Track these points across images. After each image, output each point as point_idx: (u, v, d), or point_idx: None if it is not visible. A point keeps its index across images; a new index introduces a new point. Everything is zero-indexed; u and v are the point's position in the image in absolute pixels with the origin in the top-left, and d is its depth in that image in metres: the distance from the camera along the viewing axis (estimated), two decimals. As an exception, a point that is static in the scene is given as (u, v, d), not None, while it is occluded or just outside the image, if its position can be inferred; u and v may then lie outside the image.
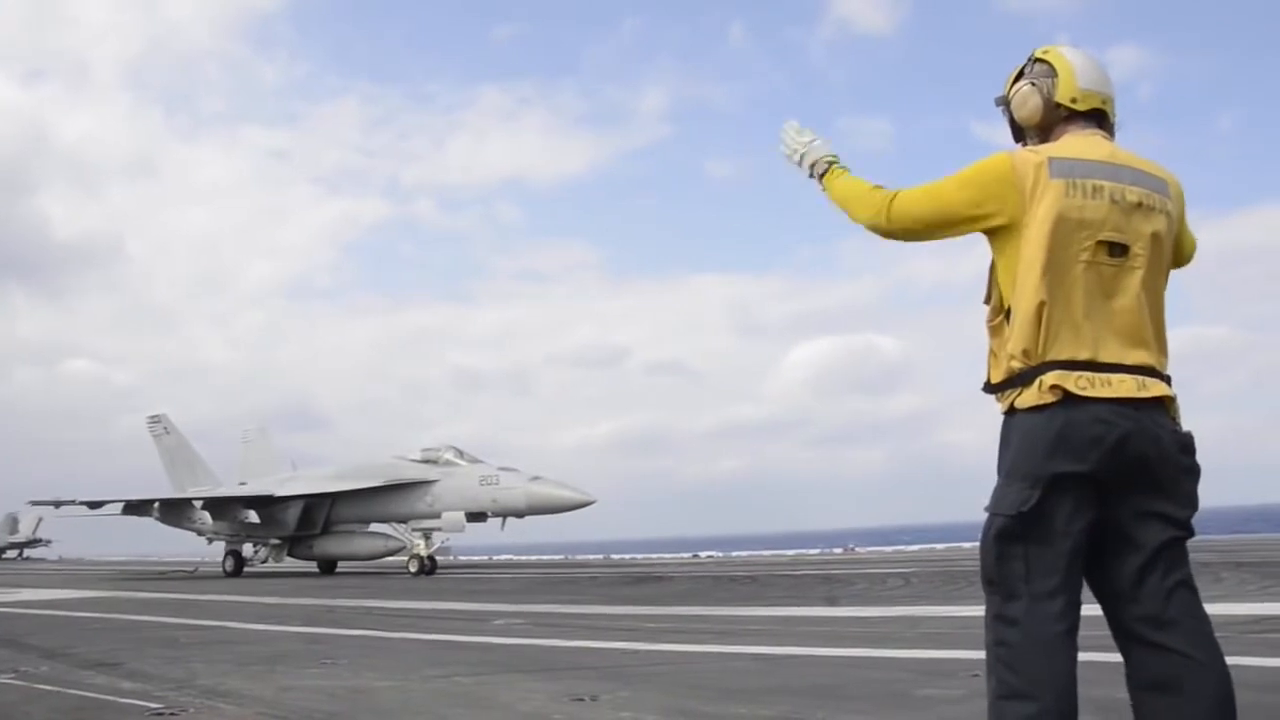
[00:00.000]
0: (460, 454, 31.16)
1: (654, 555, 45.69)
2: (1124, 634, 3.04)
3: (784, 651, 8.61)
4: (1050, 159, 3.09)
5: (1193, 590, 3.04)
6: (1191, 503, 3.07)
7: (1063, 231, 3.02)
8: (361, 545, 33.43)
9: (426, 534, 30.48)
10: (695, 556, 41.19)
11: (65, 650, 9.87)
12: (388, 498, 31.72)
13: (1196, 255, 3.48)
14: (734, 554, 44.77)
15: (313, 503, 33.15)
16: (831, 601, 14.47)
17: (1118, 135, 3.32)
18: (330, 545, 33.83)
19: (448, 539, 31.20)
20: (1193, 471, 3.09)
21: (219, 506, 35.08)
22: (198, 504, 35.98)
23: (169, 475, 41.84)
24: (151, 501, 37.02)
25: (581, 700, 6.24)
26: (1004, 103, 3.44)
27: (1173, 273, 3.36)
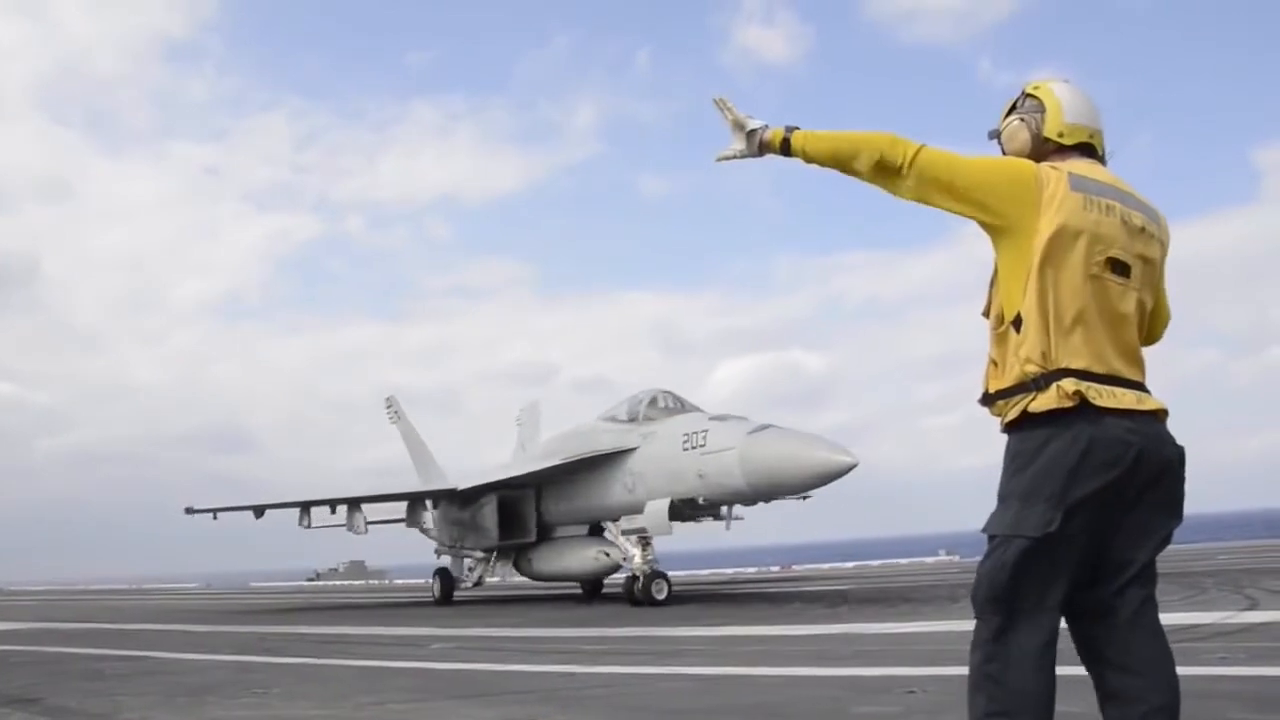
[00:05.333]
0: (677, 400, 20.87)
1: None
2: (1092, 645, 3.13)
3: (722, 672, 8.61)
4: (1070, 174, 3.19)
5: (1155, 602, 3.16)
6: (1180, 516, 3.19)
7: (1080, 243, 3.11)
8: (574, 560, 22.82)
9: (643, 539, 20.10)
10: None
11: (-17, 686, 9.55)
12: (583, 482, 21.92)
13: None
14: (671, 573, 44.72)
15: (509, 496, 23.55)
16: (836, 617, 14.50)
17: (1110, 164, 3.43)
18: (544, 560, 23.75)
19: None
20: (1183, 483, 3.20)
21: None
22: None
23: (418, 467, 33.53)
24: (426, 496, 26.55)
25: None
26: (996, 136, 3.54)
27: None
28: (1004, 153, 3.49)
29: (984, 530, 3.15)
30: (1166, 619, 3.16)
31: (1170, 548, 3.25)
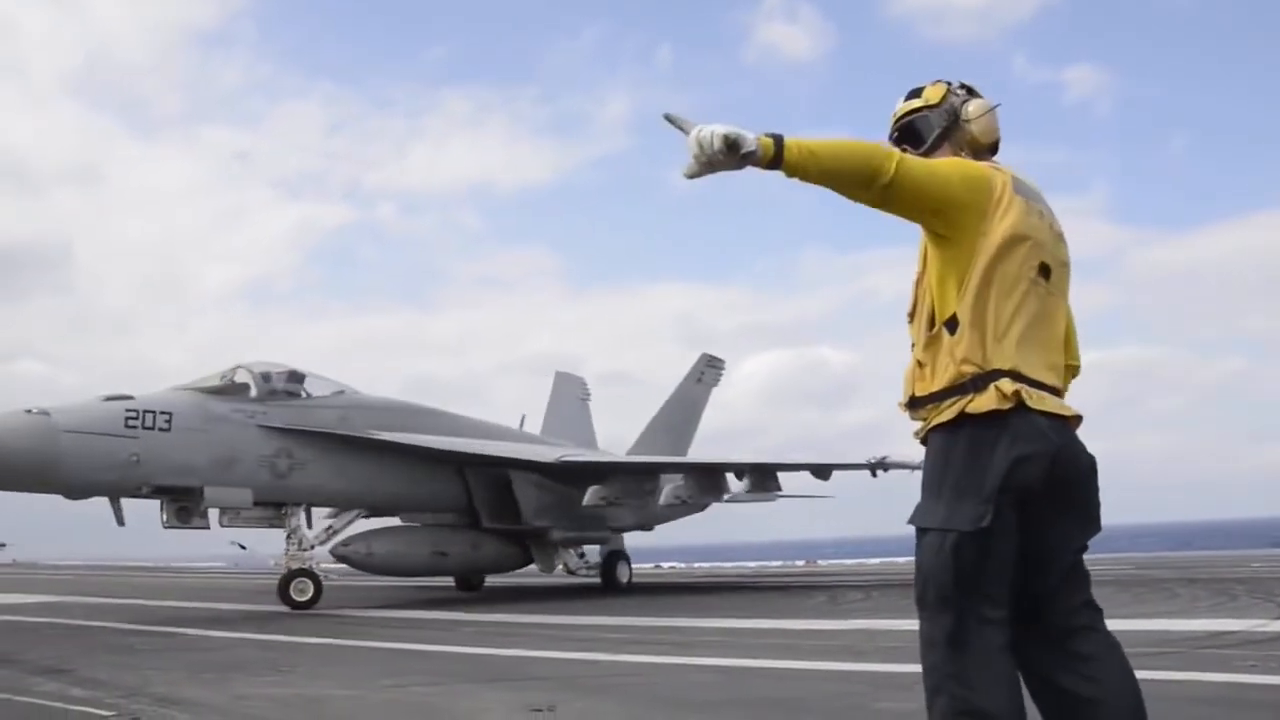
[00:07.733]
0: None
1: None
2: (1032, 650, 3.09)
3: (742, 664, 8.61)
4: (1013, 177, 3.18)
5: (1097, 609, 3.14)
6: (1098, 525, 3.17)
7: (1021, 248, 3.09)
8: None
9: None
10: (658, 567, 41.07)
11: (15, 656, 9.69)
12: None
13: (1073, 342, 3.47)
14: (696, 565, 44.75)
15: None
16: (859, 612, 14.46)
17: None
18: None
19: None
20: (1098, 493, 3.19)
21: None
22: None
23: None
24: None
25: (539, 711, 6.21)
26: (950, 111, 3.38)
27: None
28: (913, 133, 3.40)
29: (911, 522, 3.11)
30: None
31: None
